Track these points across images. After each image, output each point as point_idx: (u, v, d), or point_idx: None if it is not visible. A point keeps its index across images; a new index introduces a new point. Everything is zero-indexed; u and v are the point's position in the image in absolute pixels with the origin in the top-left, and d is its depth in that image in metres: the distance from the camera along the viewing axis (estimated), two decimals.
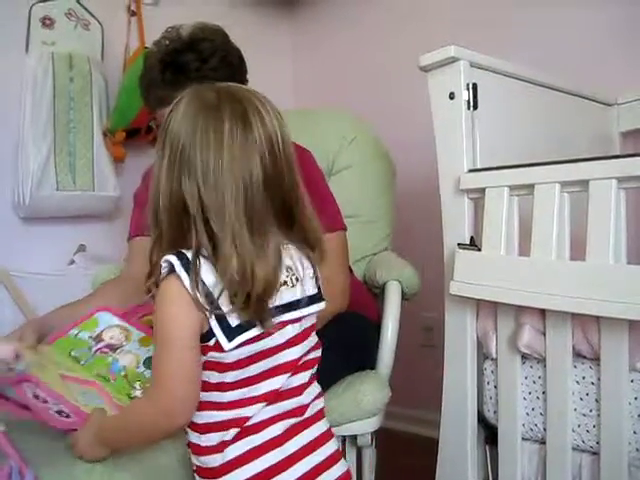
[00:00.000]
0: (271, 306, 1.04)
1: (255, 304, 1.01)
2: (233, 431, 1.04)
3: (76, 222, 2.76)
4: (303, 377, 1.12)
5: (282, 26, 3.53)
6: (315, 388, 1.16)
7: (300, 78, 3.50)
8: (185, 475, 1.15)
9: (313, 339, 1.16)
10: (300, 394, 1.11)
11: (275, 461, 1.05)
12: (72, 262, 2.71)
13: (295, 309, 1.09)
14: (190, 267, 0.99)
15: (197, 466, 1.08)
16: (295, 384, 1.11)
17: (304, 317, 1.11)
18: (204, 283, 0.99)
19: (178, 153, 1.03)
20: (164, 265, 1.02)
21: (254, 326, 1.03)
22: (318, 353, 1.18)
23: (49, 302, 2.49)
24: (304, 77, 3.51)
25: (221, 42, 1.71)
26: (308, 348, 1.14)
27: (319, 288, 1.15)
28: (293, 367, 1.10)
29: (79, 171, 2.63)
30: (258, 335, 1.04)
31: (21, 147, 2.57)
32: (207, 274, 1.00)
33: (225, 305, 1.01)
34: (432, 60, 1.63)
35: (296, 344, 1.10)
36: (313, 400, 1.14)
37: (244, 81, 1.76)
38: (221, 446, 1.04)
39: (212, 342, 1.01)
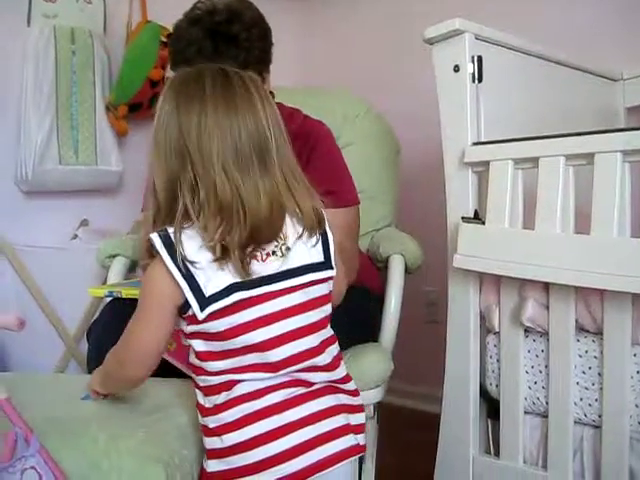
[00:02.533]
0: (255, 276, 1.07)
1: (238, 250, 1.05)
2: (224, 394, 1.07)
3: (79, 196, 2.75)
4: (312, 341, 1.12)
5: (286, 4, 3.51)
6: (328, 355, 1.16)
7: (307, 55, 3.48)
8: (187, 441, 1.16)
9: (326, 308, 1.17)
10: (311, 358, 1.12)
11: (272, 427, 1.07)
12: (75, 236, 2.71)
13: (286, 278, 1.10)
14: (170, 244, 1.05)
15: (201, 425, 1.12)
16: (304, 348, 1.11)
17: (304, 285, 1.12)
18: (185, 256, 1.04)
19: (165, 118, 1.10)
20: (149, 243, 1.08)
21: (229, 295, 1.05)
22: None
23: (52, 276, 2.52)
24: (311, 54, 3.49)
25: (257, 13, 1.73)
26: (320, 317, 1.15)
27: (327, 256, 1.16)
28: (296, 336, 1.10)
29: (82, 145, 2.61)
30: (238, 304, 1.06)
31: (23, 121, 2.55)
32: (189, 243, 1.05)
33: (206, 264, 1.05)
34: (437, 32, 1.62)
35: (299, 312, 1.11)
36: (327, 366, 1.15)
37: (271, 53, 1.78)
38: (215, 409, 1.08)
39: (190, 312, 1.06)
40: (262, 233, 1.08)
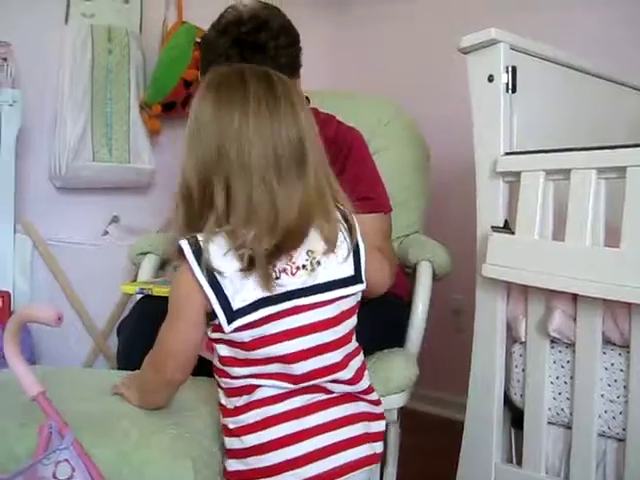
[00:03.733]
0: (285, 290, 1.07)
1: (266, 259, 1.05)
2: (245, 397, 1.09)
3: (111, 193, 2.78)
4: (336, 357, 1.12)
5: (318, 6, 3.52)
6: (351, 370, 1.15)
7: (338, 59, 3.49)
8: (216, 440, 1.17)
9: (352, 322, 1.17)
10: (334, 372, 1.12)
11: (290, 432, 1.08)
12: (106, 233, 2.74)
13: (315, 293, 1.10)
14: (199, 251, 1.05)
15: (222, 424, 1.13)
16: (328, 363, 1.11)
17: (332, 300, 1.12)
18: (212, 266, 1.04)
19: (203, 118, 1.09)
20: (178, 249, 1.07)
21: (257, 310, 1.06)
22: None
23: (82, 271, 2.55)
24: (342, 58, 3.50)
25: (285, 20, 1.74)
26: (345, 332, 1.14)
27: (358, 269, 1.15)
28: (321, 351, 1.10)
29: (115, 143, 2.65)
30: (265, 318, 1.06)
31: (59, 118, 2.58)
32: (217, 252, 1.05)
33: (233, 274, 1.05)
34: (472, 42, 1.62)
35: (326, 328, 1.11)
36: (349, 381, 1.14)
37: (300, 58, 1.78)
38: (235, 411, 1.10)
39: (217, 321, 1.06)
40: (288, 242, 1.07)
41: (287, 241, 1.07)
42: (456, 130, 2.06)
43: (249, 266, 1.04)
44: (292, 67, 1.72)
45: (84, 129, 2.57)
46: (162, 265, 2.05)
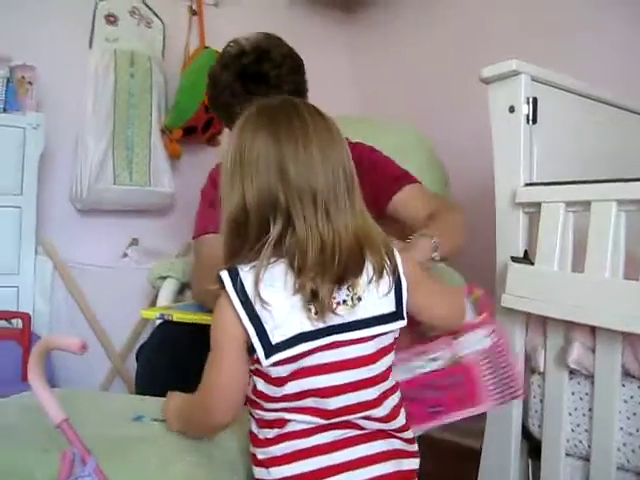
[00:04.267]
0: (325, 325, 1.05)
1: (328, 292, 1.03)
2: (276, 430, 1.07)
3: (131, 216, 2.81)
4: (371, 394, 1.10)
5: (339, 29, 3.55)
6: (386, 408, 1.13)
7: (356, 80, 3.52)
8: (236, 468, 1.18)
9: (388, 360, 1.14)
10: (368, 409, 1.10)
11: (319, 466, 1.06)
12: (125, 255, 2.76)
13: (354, 329, 1.07)
14: (239, 282, 1.03)
15: (251, 453, 1.12)
16: (362, 400, 1.10)
17: (371, 337, 1.09)
18: (257, 297, 1.02)
19: (258, 146, 1.06)
20: (218, 279, 1.06)
21: (296, 345, 1.04)
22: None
23: (102, 293, 2.57)
24: (360, 79, 3.52)
25: (287, 49, 1.76)
26: (382, 370, 1.12)
27: (400, 305, 1.12)
28: (357, 387, 1.09)
29: (136, 166, 2.68)
30: (303, 353, 1.05)
31: (81, 140, 2.62)
32: (266, 282, 1.03)
33: (281, 306, 1.03)
34: (493, 72, 1.63)
35: (363, 365, 1.09)
36: (383, 418, 1.12)
37: (306, 83, 1.81)
38: (266, 442, 1.08)
39: (255, 356, 1.04)
40: (350, 273, 1.05)
41: (348, 272, 1.05)
42: (473, 156, 2.06)
43: (311, 297, 1.03)
44: (297, 94, 1.73)
45: (105, 152, 2.60)
46: (181, 289, 2.06)
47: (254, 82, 1.67)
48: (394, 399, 1.15)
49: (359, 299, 1.07)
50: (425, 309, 1.19)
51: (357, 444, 1.09)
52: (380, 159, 1.87)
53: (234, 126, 1.12)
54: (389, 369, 1.14)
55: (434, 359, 1.31)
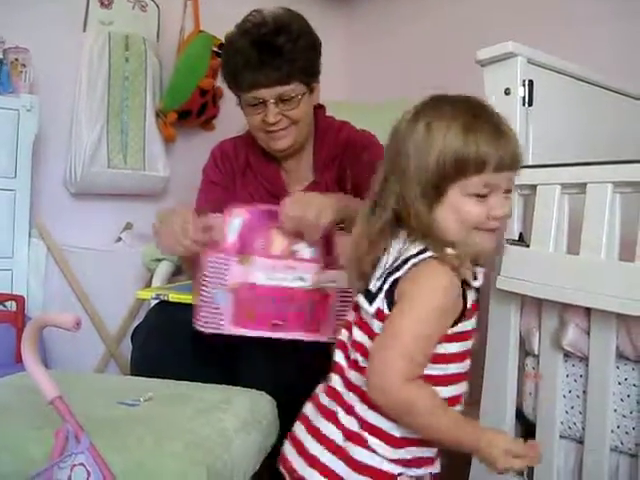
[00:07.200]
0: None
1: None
2: None
3: (125, 200, 2.80)
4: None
5: (337, 16, 3.54)
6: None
7: (353, 67, 3.51)
8: (229, 447, 1.18)
9: None
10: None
11: None
12: (119, 239, 2.75)
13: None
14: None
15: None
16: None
17: None
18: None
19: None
20: (419, 255, 1.05)
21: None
22: None
23: (95, 276, 2.56)
24: (357, 66, 3.51)
25: (305, 24, 1.77)
26: None
27: None
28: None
29: (130, 150, 2.67)
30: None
31: (75, 124, 2.61)
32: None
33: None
34: (489, 55, 1.63)
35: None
36: None
37: (320, 64, 1.82)
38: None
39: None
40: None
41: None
42: None
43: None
44: (310, 71, 1.76)
45: (100, 136, 2.59)
46: (177, 271, 2.06)
47: (269, 53, 1.68)
48: None
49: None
50: None
51: None
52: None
53: None
54: None
55: (301, 278, 1.39)
